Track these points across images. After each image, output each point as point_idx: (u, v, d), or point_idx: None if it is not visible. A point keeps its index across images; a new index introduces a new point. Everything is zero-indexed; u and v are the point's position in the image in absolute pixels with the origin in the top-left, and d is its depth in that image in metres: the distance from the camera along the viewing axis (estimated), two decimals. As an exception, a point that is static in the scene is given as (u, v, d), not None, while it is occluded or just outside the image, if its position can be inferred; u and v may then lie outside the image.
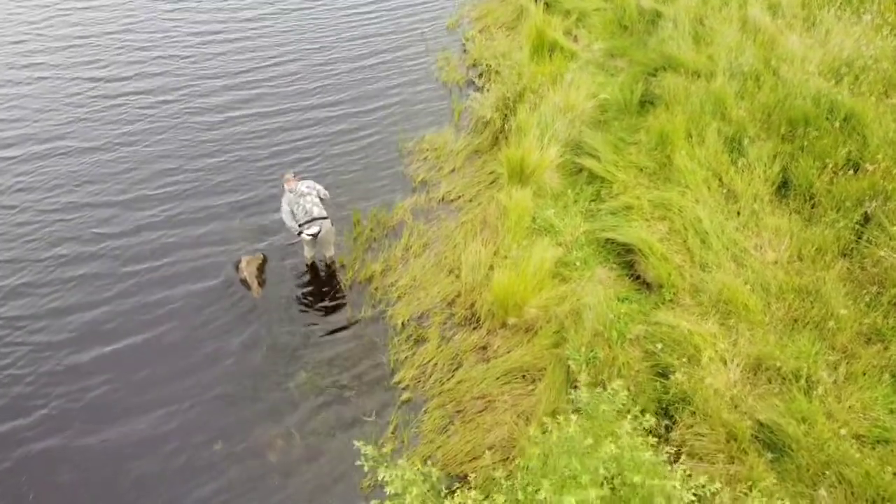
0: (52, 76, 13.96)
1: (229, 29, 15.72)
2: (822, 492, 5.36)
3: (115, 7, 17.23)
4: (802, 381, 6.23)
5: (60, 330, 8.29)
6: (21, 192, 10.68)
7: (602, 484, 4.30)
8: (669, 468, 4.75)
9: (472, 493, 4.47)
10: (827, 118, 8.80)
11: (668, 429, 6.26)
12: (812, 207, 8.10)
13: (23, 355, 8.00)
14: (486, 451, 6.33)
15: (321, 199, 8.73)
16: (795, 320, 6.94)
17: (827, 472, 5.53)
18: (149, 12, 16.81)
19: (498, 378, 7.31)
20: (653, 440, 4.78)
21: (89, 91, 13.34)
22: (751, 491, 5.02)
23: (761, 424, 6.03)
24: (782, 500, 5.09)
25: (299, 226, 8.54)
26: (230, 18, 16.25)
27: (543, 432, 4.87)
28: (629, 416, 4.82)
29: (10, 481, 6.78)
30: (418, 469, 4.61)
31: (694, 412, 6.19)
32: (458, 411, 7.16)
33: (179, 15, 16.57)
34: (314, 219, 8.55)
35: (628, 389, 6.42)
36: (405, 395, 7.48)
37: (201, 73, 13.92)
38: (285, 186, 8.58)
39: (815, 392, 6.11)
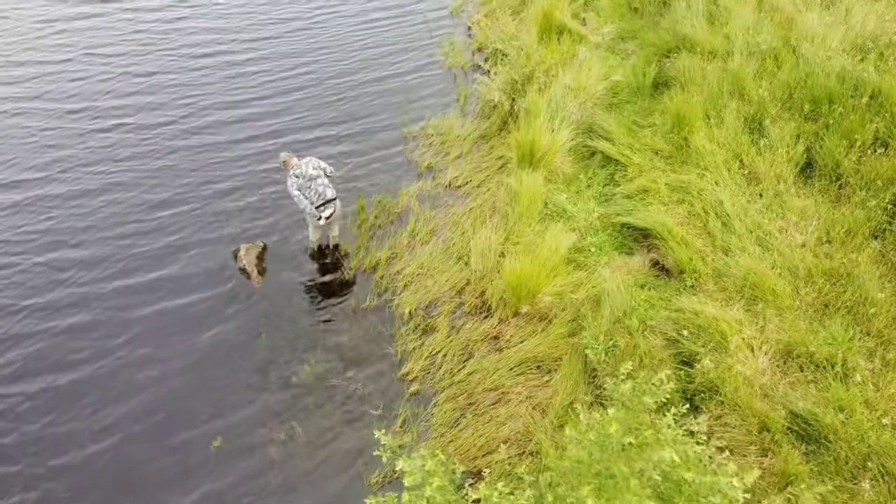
0: (26, 96, 12.21)
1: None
2: (866, 485, 5.00)
3: (99, 17, 15.17)
4: (838, 369, 5.86)
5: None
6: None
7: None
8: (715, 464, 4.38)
9: (499, 484, 4.09)
10: (852, 96, 8.42)
11: (694, 418, 5.89)
12: (839, 188, 7.73)
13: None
14: (501, 445, 5.98)
15: (328, 177, 8.34)
16: (826, 305, 6.57)
17: (869, 465, 5.17)
18: (136, 24, 14.82)
19: (511, 369, 6.95)
20: (696, 435, 4.40)
21: (71, 122, 11.48)
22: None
23: (794, 415, 5.66)
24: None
25: (317, 207, 8.17)
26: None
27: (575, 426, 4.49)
28: (671, 411, 4.44)
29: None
30: (440, 459, 4.22)
31: (722, 402, 5.83)
32: (470, 404, 6.79)
33: (174, 25, 14.80)
34: (328, 201, 8.20)
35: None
36: (414, 388, 7.12)
37: (189, 94, 12.40)
38: (287, 168, 8.14)
39: (851, 380, 5.74)
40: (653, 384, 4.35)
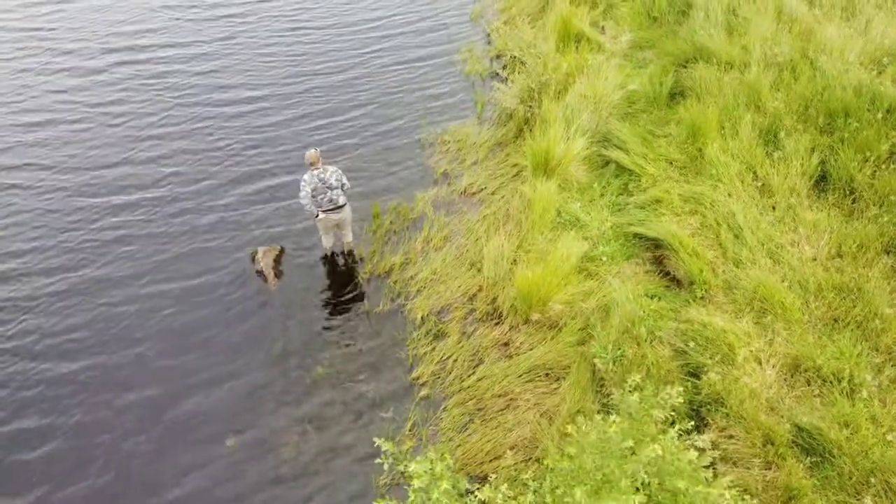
0: (30, 163, 10.97)
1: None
2: (868, 501, 5.02)
3: (116, 69, 13.54)
4: (844, 384, 5.89)
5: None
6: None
7: (638, 489, 4.01)
8: (711, 476, 4.46)
9: (503, 486, 4.20)
10: (868, 110, 8.42)
11: (699, 431, 5.95)
12: (853, 202, 7.74)
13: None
14: (508, 451, 6.08)
15: (344, 192, 8.49)
16: (836, 319, 6.59)
17: (872, 480, 5.20)
18: (158, 78, 13.23)
19: (520, 376, 7.04)
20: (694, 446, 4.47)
21: (79, 199, 10.16)
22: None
23: (800, 428, 5.69)
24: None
25: (324, 212, 8.36)
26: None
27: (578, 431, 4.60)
28: (675, 424, 4.51)
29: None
30: (448, 463, 4.36)
31: (728, 414, 5.87)
32: (479, 409, 6.89)
33: (198, 80, 13.25)
34: (338, 207, 8.38)
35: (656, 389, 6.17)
36: (424, 392, 7.23)
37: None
38: (310, 166, 8.15)
39: (858, 395, 5.76)
40: (660, 399, 4.43)
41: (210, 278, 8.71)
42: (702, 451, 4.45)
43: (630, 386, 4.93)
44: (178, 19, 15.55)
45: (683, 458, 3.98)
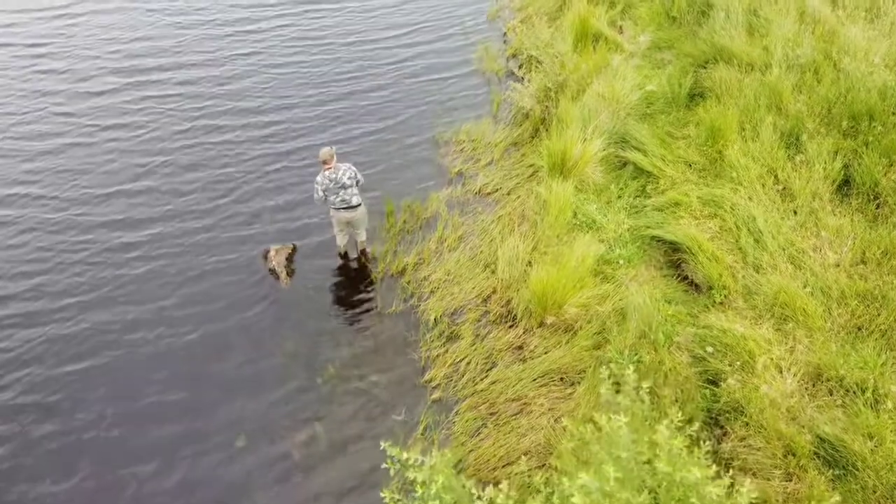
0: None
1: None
2: (893, 516, 4.89)
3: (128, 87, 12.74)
4: (868, 394, 5.74)
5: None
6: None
7: (645, 492, 3.91)
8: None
9: (504, 484, 4.13)
10: (894, 113, 8.24)
11: (718, 440, 5.83)
12: (877, 207, 7.57)
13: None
14: (522, 457, 5.95)
15: (358, 186, 8.38)
16: (859, 328, 6.44)
17: (897, 495, 5.06)
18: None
19: (534, 380, 6.93)
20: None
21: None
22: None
23: (822, 439, 5.55)
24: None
25: (335, 209, 8.31)
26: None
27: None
28: (665, 420, 4.41)
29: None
30: (447, 457, 4.30)
31: (747, 423, 5.74)
32: (492, 413, 6.79)
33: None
34: (352, 206, 8.29)
35: (675, 397, 6.03)
36: (436, 395, 7.13)
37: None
38: (323, 166, 8.05)
39: (882, 406, 5.61)
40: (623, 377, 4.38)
41: (219, 277, 8.65)
42: (694, 440, 4.34)
43: (606, 377, 4.80)
44: (192, 36, 14.93)
45: (674, 446, 3.89)
